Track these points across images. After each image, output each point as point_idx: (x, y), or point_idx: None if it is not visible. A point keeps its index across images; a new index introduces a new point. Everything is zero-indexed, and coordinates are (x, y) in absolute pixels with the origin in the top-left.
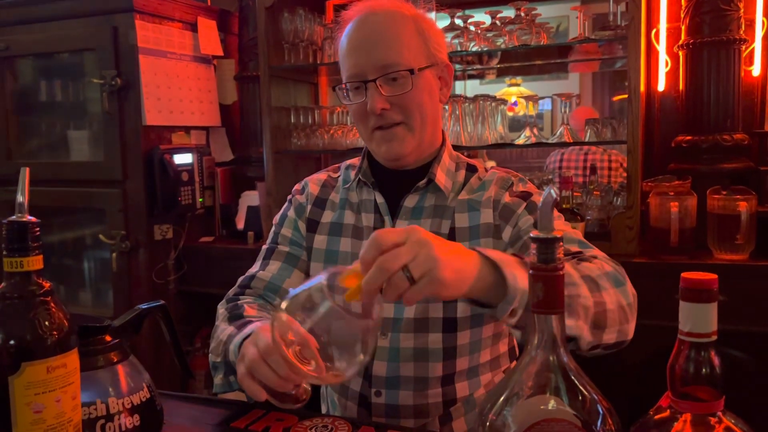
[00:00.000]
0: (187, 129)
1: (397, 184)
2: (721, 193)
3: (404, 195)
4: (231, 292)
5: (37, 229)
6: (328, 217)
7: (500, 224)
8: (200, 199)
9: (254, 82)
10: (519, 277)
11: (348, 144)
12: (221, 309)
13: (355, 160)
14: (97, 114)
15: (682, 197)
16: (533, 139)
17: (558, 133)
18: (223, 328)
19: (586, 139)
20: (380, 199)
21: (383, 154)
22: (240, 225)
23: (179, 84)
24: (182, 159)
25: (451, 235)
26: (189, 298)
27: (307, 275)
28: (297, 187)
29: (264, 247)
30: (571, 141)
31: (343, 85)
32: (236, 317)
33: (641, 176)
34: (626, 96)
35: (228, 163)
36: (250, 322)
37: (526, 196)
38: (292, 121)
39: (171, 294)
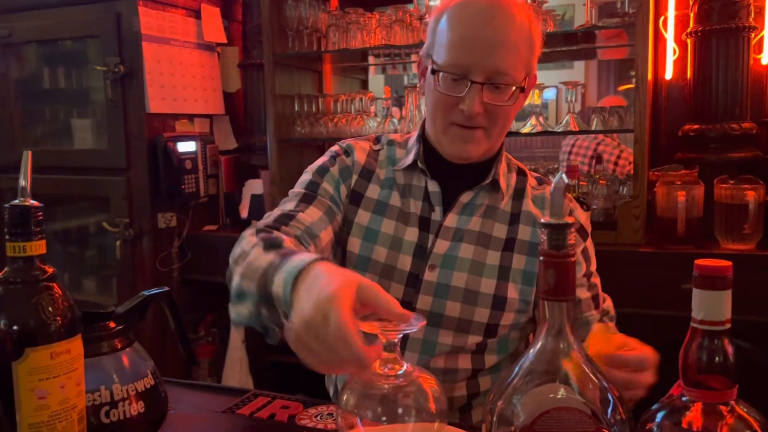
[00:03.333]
0: (190, 117)
1: (451, 175)
2: (728, 182)
3: (458, 188)
4: (261, 223)
5: (40, 213)
6: (374, 192)
7: None
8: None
9: (258, 69)
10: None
11: (352, 132)
12: (250, 236)
13: (397, 137)
14: (101, 102)
15: (689, 186)
16: (539, 128)
17: (564, 121)
18: (257, 255)
19: (593, 128)
20: (434, 188)
21: (454, 151)
22: (244, 214)
23: (183, 71)
24: (186, 147)
25: (510, 245)
26: (193, 286)
27: (338, 239)
28: (337, 148)
29: (296, 190)
30: (578, 129)
31: (438, 70)
32: (274, 246)
33: (648, 165)
34: (632, 86)
35: (232, 151)
36: (294, 252)
37: (585, 236)
38: (296, 109)
39: (175, 282)
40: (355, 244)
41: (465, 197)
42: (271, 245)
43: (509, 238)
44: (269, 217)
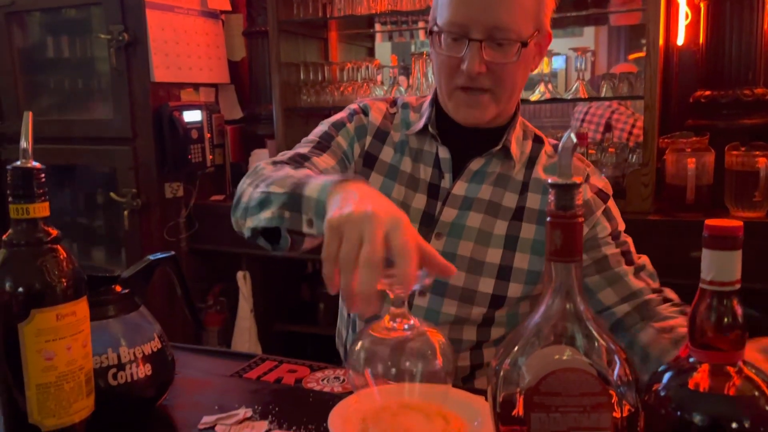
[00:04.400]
0: (195, 86)
1: (463, 141)
2: (739, 149)
3: (469, 154)
4: (277, 158)
5: (43, 175)
6: (387, 155)
7: None
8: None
9: (263, 37)
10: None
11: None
12: (268, 165)
13: (413, 99)
14: (106, 71)
15: (699, 154)
16: (548, 95)
17: (573, 88)
18: (288, 171)
19: (603, 95)
20: (445, 155)
21: (460, 117)
22: None
23: (187, 40)
24: (192, 116)
25: (519, 215)
26: (200, 255)
27: None
28: (355, 106)
29: (309, 138)
30: (587, 96)
31: (438, 32)
32: (303, 168)
33: (658, 133)
34: (643, 54)
35: (238, 121)
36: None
37: (605, 197)
38: (302, 77)
39: (183, 252)
40: None
41: (475, 164)
42: (300, 167)
43: (519, 207)
44: (283, 155)
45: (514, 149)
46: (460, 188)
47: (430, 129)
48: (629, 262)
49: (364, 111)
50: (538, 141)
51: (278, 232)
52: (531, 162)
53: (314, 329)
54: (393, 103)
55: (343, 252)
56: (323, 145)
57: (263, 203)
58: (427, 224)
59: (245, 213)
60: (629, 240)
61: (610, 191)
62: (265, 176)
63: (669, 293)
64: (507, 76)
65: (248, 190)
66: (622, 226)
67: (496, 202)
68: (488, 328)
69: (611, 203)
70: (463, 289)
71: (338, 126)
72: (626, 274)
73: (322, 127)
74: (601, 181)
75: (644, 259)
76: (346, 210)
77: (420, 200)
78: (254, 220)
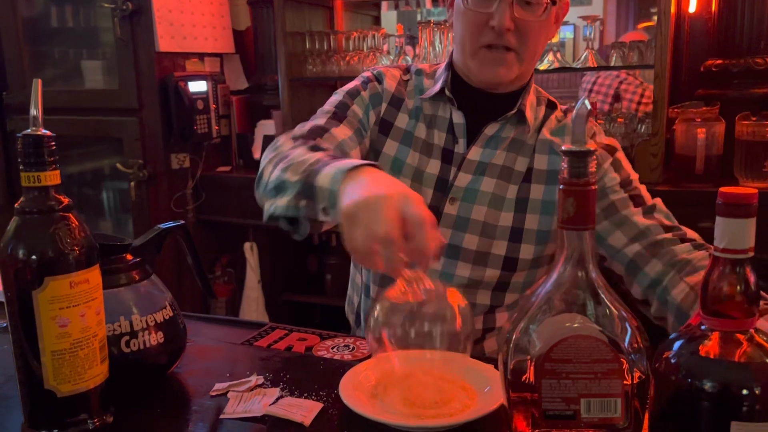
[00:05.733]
0: (200, 56)
1: (478, 106)
2: (750, 119)
3: (484, 119)
4: (296, 132)
5: (53, 143)
6: (402, 122)
7: None
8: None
9: (268, 6)
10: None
11: (365, 70)
12: (287, 140)
13: (426, 66)
14: (110, 42)
15: (709, 123)
16: (556, 64)
17: (582, 57)
18: (302, 153)
19: (612, 64)
20: (459, 120)
21: (484, 76)
22: (257, 155)
23: (191, 8)
24: (197, 87)
25: (528, 176)
26: (208, 226)
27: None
28: (369, 74)
29: (326, 108)
30: (596, 65)
31: None
32: (319, 149)
33: (667, 102)
34: (652, 23)
35: (243, 91)
36: (343, 157)
37: (612, 150)
38: (308, 47)
39: (190, 223)
40: None
41: (490, 129)
42: (316, 148)
43: (528, 168)
44: (303, 127)
45: (529, 114)
46: (475, 153)
47: (447, 92)
48: (638, 204)
49: (378, 78)
50: (550, 106)
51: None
52: (541, 126)
53: (321, 300)
54: (406, 70)
55: (361, 238)
56: (339, 115)
57: (279, 188)
58: (441, 189)
59: (264, 193)
60: (642, 187)
61: (618, 146)
62: (283, 155)
63: (689, 233)
64: (532, 35)
65: (268, 168)
66: (634, 176)
67: (509, 167)
68: (502, 292)
69: (620, 155)
70: (476, 252)
71: (353, 94)
72: (633, 215)
73: (337, 96)
74: (607, 139)
75: (657, 201)
76: (358, 197)
77: (434, 166)
78: (272, 207)
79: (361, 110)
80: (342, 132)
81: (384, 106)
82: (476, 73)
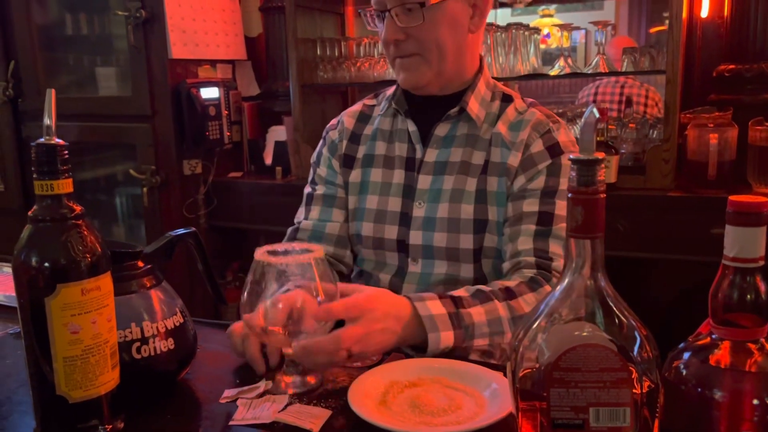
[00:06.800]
0: (212, 63)
1: (429, 112)
2: (763, 124)
3: (433, 122)
4: (290, 229)
5: (66, 152)
6: (362, 151)
7: (518, 170)
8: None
9: (280, 12)
10: (443, 339)
11: (375, 77)
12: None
13: (394, 89)
14: (124, 49)
15: (722, 129)
16: (567, 70)
17: (593, 63)
18: None
19: (623, 69)
20: (412, 127)
21: (401, 83)
22: (268, 160)
23: (204, 16)
24: (209, 93)
25: (485, 168)
26: (219, 232)
27: (347, 211)
28: (333, 122)
29: (306, 190)
30: (607, 71)
31: (368, 11)
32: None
33: (679, 108)
34: (664, 27)
35: (255, 97)
36: None
37: (556, 152)
38: (319, 53)
39: (202, 229)
40: (352, 201)
41: (440, 130)
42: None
43: (485, 161)
44: (287, 232)
45: (475, 110)
46: (431, 155)
47: (393, 104)
48: (542, 222)
49: (337, 124)
50: (506, 100)
51: None
52: (496, 120)
53: None
54: (375, 96)
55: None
56: (310, 195)
57: None
58: (408, 195)
59: None
60: (560, 205)
61: (571, 150)
62: None
63: (557, 263)
64: (426, 38)
65: None
66: (561, 186)
67: (467, 161)
68: (482, 235)
69: (564, 161)
70: (447, 249)
71: (318, 158)
72: (524, 233)
73: (311, 169)
74: (564, 137)
75: (561, 226)
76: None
77: (399, 175)
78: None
79: (325, 168)
80: (312, 216)
81: (345, 144)
82: (399, 81)
